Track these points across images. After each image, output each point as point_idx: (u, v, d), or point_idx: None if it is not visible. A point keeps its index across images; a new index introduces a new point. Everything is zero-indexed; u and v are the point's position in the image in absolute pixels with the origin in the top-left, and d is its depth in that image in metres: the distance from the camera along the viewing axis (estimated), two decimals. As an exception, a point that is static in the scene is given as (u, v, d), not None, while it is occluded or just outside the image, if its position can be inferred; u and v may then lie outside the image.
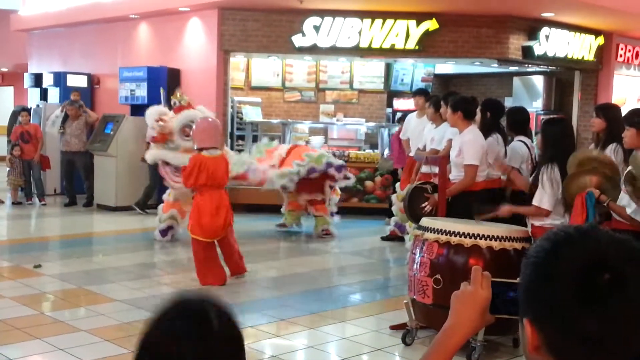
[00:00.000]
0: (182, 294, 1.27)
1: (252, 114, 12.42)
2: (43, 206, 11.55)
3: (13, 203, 11.66)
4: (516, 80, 13.51)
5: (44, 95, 13.73)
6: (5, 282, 6.49)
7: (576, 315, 0.98)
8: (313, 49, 11.16)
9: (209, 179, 6.38)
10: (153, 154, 8.32)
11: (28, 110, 12.43)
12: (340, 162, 9.24)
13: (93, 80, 13.62)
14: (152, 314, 1.26)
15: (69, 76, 13.34)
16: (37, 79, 13.97)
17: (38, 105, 13.26)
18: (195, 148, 6.60)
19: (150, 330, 1.23)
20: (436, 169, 5.87)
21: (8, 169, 11.76)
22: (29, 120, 11.91)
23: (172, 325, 1.22)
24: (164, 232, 8.46)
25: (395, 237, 8.85)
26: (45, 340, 4.89)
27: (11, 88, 20.14)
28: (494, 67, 12.52)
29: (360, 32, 10.97)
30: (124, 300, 5.87)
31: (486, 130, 5.91)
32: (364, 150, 11.85)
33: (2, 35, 16.71)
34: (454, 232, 4.58)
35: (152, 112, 8.40)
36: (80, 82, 13.42)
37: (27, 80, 14.36)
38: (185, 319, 1.22)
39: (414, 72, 13.33)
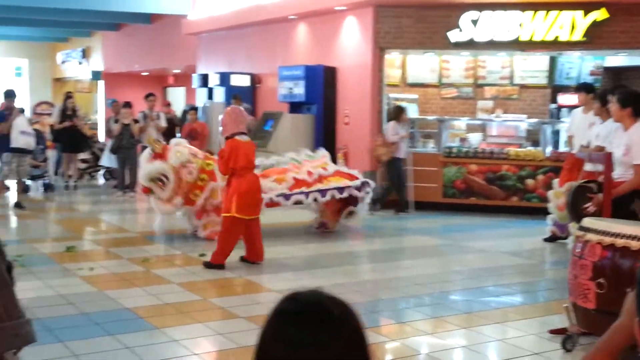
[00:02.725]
0: (296, 291, 1.27)
1: (408, 111, 12.33)
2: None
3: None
4: (698, 72, 12.39)
5: (210, 94, 14.51)
6: (173, 269, 6.92)
7: None
8: (470, 44, 10.91)
9: (247, 162, 6.68)
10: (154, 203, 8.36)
11: (196, 109, 13.18)
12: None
13: (255, 80, 14.18)
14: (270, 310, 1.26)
15: (232, 76, 14.00)
16: (204, 80, 14.78)
17: (205, 105, 14.02)
18: (225, 137, 6.88)
19: (270, 330, 1.23)
20: (600, 167, 5.52)
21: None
22: (196, 119, 12.62)
23: (293, 317, 1.21)
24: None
25: (557, 238, 8.44)
26: (206, 324, 5.16)
27: (183, 88, 21.46)
28: (672, 58, 11.58)
29: (521, 25, 10.56)
30: (281, 291, 6.02)
31: None
32: (525, 147, 11.39)
33: (174, 39, 17.84)
34: (619, 234, 4.26)
35: (142, 159, 8.36)
36: (243, 81, 14.03)
37: (195, 81, 15.23)
38: (305, 311, 1.21)
39: (582, 65, 12.62)
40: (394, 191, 10.68)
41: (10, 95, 10.98)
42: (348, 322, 1.23)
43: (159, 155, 8.00)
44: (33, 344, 1.20)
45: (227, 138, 6.90)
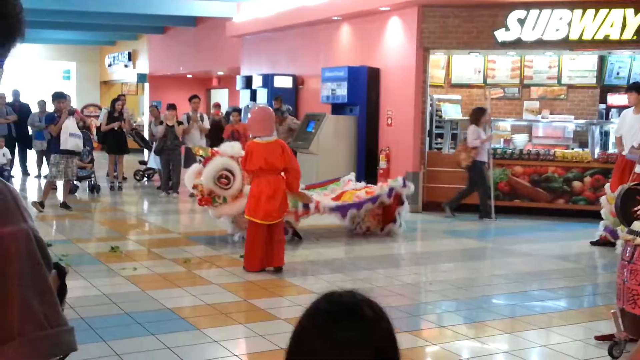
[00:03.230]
0: (332, 291, 1.31)
1: (451, 112, 12.22)
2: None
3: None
4: None
5: (253, 96, 14.58)
6: (215, 270, 6.95)
7: None
8: (517, 44, 10.72)
9: (264, 163, 6.57)
10: (216, 214, 8.15)
11: (239, 111, 13.25)
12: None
13: (297, 81, 14.20)
14: (305, 309, 1.28)
15: (275, 78, 14.03)
16: (248, 81, 14.86)
17: (248, 106, 14.08)
18: (251, 137, 6.88)
19: (304, 325, 1.26)
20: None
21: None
22: (239, 120, 12.70)
23: (326, 315, 1.24)
24: None
25: (606, 243, 8.23)
26: (247, 325, 5.16)
27: (226, 90, 21.65)
28: None
29: (569, 24, 10.33)
30: (321, 293, 5.99)
31: None
32: (572, 148, 11.15)
33: (219, 41, 18.00)
34: (672, 237, 4.12)
35: (189, 175, 8.13)
36: (286, 83, 14.06)
37: (239, 83, 15.32)
38: (339, 310, 1.24)
39: (632, 64, 12.28)
40: (480, 195, 10.32)
41: (59, 97, 11.19)
42: (380, 324, 1.24)
43: (210, 160, 7.85)
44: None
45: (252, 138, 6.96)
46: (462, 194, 10.45)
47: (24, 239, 1.04)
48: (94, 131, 14.60)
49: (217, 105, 15.82)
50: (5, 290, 1.01)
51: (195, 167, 8.10)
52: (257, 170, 6.73)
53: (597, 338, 4.83)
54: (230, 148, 7.93)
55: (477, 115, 10.36)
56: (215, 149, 8.18)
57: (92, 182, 12.96)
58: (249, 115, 7.11)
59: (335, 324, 1.21)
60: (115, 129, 13.36)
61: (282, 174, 6.81)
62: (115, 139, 13.44)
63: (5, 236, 1.02)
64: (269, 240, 6.81)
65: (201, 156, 8.03)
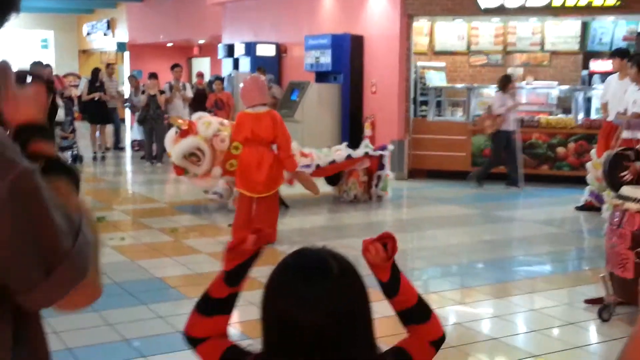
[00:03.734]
0: (301, 247, 1.34)
1: (435, 79, 12.20)
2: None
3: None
4: None
5: (235, 64, 14.43)
6: (203, 239, 6.95)
7: None
8: (500, 10, 10.68)
9: (250, 134, 6.50)
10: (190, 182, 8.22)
11: (221, 79, 13.12)
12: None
13: (281, 49, 14.07)
14: (275, 266, 1.30)
15: (258, 46, 13.88)
16: (230, 50, 14.68)
17: (230, 75, 13.96)
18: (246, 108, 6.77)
19: (273, 280, 1.29)
20: (639, 134, 5.39)
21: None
22: (222, 89, 12.59)
23: (294, 270, 1.28)
24: None
25: (591, 207, 8.32)
26: (237, 294, 5.16)
27: (207, 59, 21.40)
28: None
29: (553, -11, 10.31)
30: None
31: None
32: (556, 115, 11.20)
33: (199, 9, 17.75)
34: (660, 201, 4.17)
35: (167, 140, 8.06)
36: (269, 51, 13.92)
37: (221, 51, 15.14)
38: (306, 266, 1.28)
39: (615, 30, 12.31)
40: (488, 162, 10.25)
41: (37, 66, 11.01)
42: (346, 279, 1.27)
43: (186, 132, 7.74)
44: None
45: None
46: (509, 167, 10.22)
47: (35, 172, 1.08)
48: (76, 101, 14.40)
49: (201, 75, 15.65)
50: (43, 220, 1.05)
51: (173, 131, 7.98)
52: (243, 140, 6.66)
53: (587, 301, 4.90)
54: (205, 128, 7.74)
55: (504, 82, 10.11)
56: (194, 118, 8.03)
57: (75, 152, 12.82)
58: (241, 85, 7.00)
59: (303, 279, 1.24)
60: (96, 99, 13.20)
61: (274, 147, 6.73)
62: (96, 109, 13.28)
63: (23, 173, 1.05)
64: (257, 213, 6.75)
65: (178, 127, 7.88)
